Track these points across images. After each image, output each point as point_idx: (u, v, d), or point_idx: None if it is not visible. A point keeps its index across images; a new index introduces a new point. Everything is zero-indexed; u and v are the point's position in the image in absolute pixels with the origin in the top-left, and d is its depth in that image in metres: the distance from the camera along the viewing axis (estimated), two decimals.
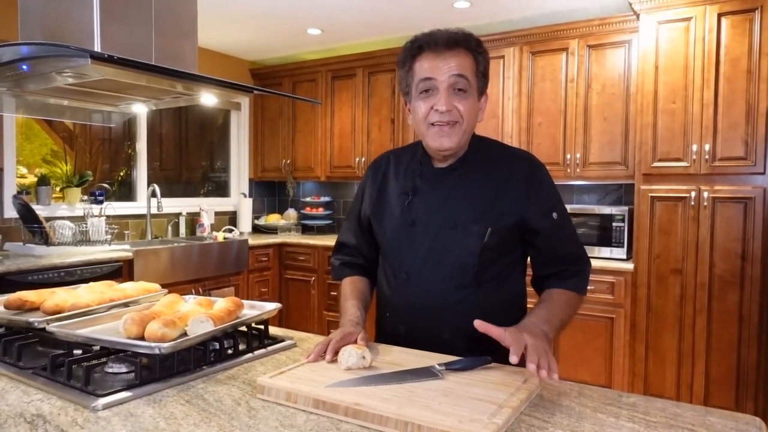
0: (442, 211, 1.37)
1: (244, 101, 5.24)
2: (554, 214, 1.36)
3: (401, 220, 1.41)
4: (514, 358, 1.07)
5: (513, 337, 1.11)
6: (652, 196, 3.24)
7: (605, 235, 3.48)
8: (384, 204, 1.47)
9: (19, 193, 3.57)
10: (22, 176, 3.86)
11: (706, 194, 3.08)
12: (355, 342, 1.25)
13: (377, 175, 1.52)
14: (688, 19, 3.11)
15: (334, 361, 1.19)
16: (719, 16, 3.04)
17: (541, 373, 1.06)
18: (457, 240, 1.34)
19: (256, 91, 1.76)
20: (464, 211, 1.35)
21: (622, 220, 3.44)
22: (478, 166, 1.39)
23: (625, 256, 3.43)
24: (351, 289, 1.51)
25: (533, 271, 1.45)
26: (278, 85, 5.08)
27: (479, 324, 1.14)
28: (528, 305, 1.46)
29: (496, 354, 1.22)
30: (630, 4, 3.27)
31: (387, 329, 1.48)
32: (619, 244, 3.45)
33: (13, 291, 1.55)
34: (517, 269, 1.43)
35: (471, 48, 1.31)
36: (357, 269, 1.58)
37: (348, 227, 1.59)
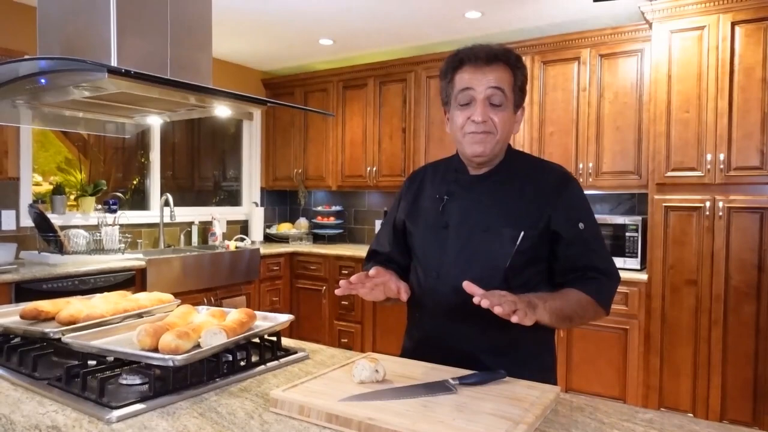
0: (475, 214, 1.40)
1: (257, 111, 5.27)
2: (581, 224, 1.37)
3: (435, 222, 1.45)
4: (476, 299, 1.10)
5: (490, 292, 1.13)
6: (665, 206, 3.21)
7: (618, 245, 3.45)
8: (419, 208, 1.51)
9: (34, 202, 3.62)
10: (37, 183, 3.91)
11: (720, 204, 3.05)
12: (388, 280, 1.32)
13: (414, 183, 1.57)
14: (702, 27, 3.09)
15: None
16: (733, 24, 3.02)
17: (496, 308, 1.08)
18: (489, 242, 1.37)
19: (270, 104, 1.77)
20: (497, 215, 1.38)
21: (636, 230, 3.41)
22: (511, 174, 1.43)
23: (638, 267, 3.40)
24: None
25: (556, 280, 1.44)
26: (290, 95, 5.11)
27: (467, 285, 1.14)
28: None
29: (513, 366, 1.23)
30: (642, 13, 3.26)
31: (413, 331, 1.51)
32: (633, 255, 3.42)
33: (28, 299, 1.57)
34: (546, 282, 1.43)
35: (510, 63, 1.36)
36: None
37: (382, 235, 1.62)
